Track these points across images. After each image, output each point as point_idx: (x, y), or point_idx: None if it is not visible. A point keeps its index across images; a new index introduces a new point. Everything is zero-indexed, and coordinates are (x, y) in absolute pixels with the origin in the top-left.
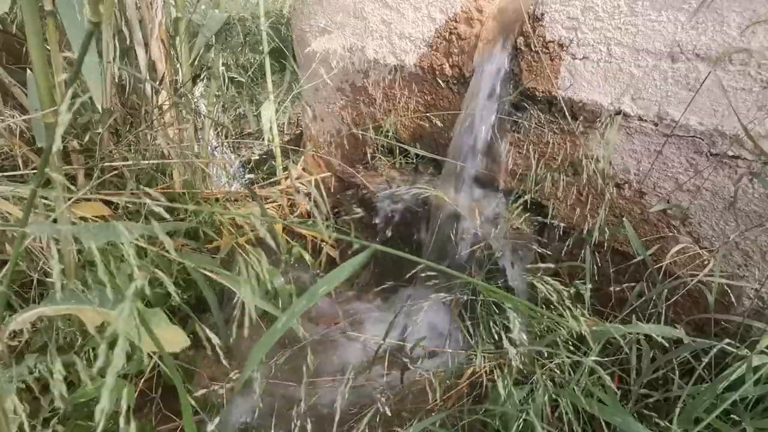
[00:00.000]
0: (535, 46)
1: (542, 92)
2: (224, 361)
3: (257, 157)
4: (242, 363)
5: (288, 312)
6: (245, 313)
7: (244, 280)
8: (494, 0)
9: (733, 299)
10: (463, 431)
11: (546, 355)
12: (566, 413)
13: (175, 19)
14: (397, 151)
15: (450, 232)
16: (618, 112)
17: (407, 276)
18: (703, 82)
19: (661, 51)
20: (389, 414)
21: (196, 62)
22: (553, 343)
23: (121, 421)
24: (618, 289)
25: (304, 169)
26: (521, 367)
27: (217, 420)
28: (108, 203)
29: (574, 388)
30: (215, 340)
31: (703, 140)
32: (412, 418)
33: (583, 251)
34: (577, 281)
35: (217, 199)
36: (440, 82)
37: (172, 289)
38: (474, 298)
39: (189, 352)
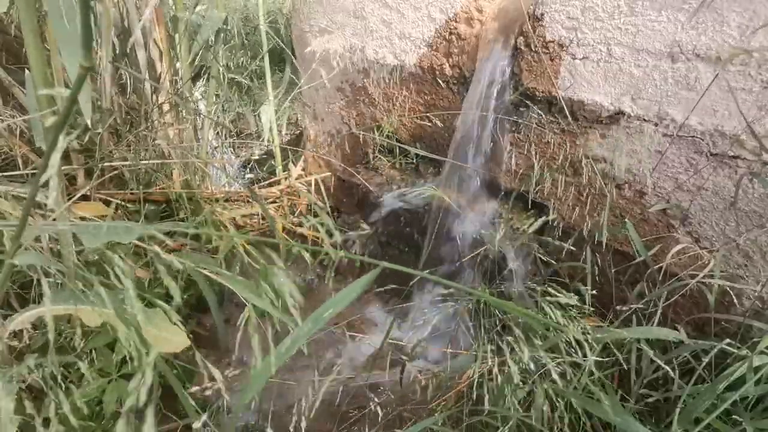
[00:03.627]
0: (535, 46)
1: (542, 92)
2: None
3: (257, 157)
4: (243, 361)
5: (293, 336)
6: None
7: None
8: (494, 0)
9: (733, 299)
10: (462, 431)
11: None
12: (566, 413)
13: (174, 19)
14: (397, 151)
15: (451, 232)
16: (618, 112)
17: (408, 277)
18: (709, 86)
19: (661, 51)
20: (389, 414)
21: (195, 62)
22: (553, 345)
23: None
24: (618, 289)
25: (304, 169)
26: (521, 367)
27: (204, 417)
28: (108, 203)
29: (574, 389)
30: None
31: (703, 140)
32: (412, 418)
33: (583, 251)
34: (577, 281)
35: (216, 200)
36: (440, 82)
37: (177, 294)
38: (474, 299)
39: (189, 352)
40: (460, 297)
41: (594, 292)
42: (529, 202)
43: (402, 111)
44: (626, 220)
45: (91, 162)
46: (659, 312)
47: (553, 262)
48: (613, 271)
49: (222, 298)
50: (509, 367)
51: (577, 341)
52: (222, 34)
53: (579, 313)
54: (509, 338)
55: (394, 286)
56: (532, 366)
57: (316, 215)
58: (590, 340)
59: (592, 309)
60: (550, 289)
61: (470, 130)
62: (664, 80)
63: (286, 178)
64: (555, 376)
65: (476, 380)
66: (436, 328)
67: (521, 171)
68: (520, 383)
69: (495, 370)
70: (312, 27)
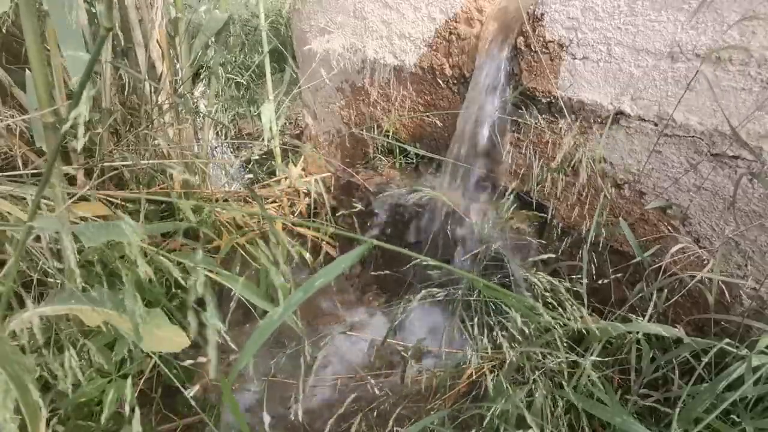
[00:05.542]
0: (535, 46)
1: (542, 92)
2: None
3: (257, 157)
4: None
5: (284, 304)
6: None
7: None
8: (494, 0)
9: (732, 299)
10: (462, 430)
11: (545, 354)
12: (565, 413)
13: (175, 19)
14: (397, 151)
15: (449, 232)
16: (618, 112)
17: (407, 277)
18: (692, 80)
19: (661, 51)
20: (389, 413)
21: (195, 62)
22: (551, 342)
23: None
24: (617, 288)
25: (303, 169)
26: (520, 366)
27: (196, 388)
28: (108, 203)
29: (573, 388)
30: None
31: (703, 140)
32: (412, 418)
33: (582, 251)
34: (576, 281)
35: (216, 200)
36: (440, 82)
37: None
38: (473, 297)
39: (189, 352)
40: (458, 289)
41: (592, 297)
42: (529, 201)
43: (402, 111)
44: (620, 219)
45: (91, 162)
46: (655, 304)
47: (551, 261)
48: (611, 270)
49: (221, 298)
50: (508, 365)
51: (576, 338)
52: (222, 34)
53: (576, 301)
54: (505, 333)
55: (390, 307)
56: (530, 363)
57: (316, 215)
58: (589, 336)
59: (590, 307)
60: (547, 285)
61: (470, 129)
62: (664, 80)
63: (285, 178)
64: (555, 375)
65: (475, 379)
66: (436, 327)
67: (521, 171)
68: (520, 381)
69: (494, 368)
70: (312, 27)
